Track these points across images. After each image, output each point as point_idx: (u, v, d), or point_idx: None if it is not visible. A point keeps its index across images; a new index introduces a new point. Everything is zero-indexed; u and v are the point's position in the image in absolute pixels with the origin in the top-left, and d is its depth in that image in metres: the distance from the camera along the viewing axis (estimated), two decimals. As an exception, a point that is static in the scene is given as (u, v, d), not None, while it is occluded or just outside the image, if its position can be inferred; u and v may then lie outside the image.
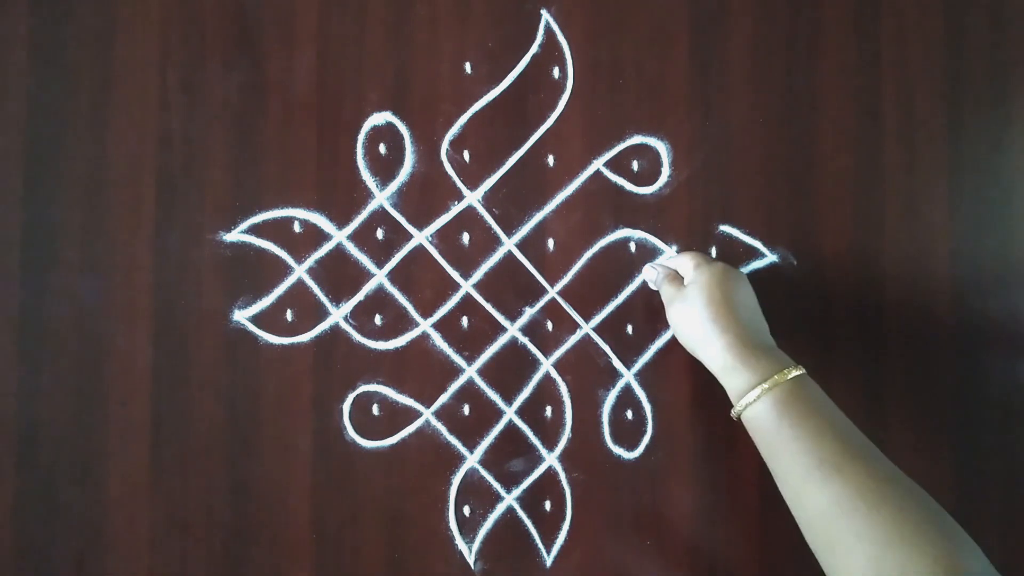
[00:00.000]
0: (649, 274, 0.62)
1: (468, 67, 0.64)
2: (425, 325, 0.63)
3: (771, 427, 0.50)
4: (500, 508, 0.62)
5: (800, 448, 0.49)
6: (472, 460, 0.62)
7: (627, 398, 0.63)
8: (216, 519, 0.62)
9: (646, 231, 0.64)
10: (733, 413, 0.53)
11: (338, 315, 0.63)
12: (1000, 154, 0.65)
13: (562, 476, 0.63)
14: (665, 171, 0.64)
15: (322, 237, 0.63)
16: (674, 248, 0.64)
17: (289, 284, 0.63)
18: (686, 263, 0.59)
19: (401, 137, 0.64)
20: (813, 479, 0.48)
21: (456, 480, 0.62)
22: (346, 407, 0.62)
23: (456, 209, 0.64)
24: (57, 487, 0.61)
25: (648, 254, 0.64)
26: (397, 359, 0.63)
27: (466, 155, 0.64)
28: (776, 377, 0.51)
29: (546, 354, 0.63)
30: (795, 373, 0.51)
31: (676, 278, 0.59)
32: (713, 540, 0.63)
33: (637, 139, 0.64)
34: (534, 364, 0.63)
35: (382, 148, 0.63)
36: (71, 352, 0.62)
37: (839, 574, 0.46)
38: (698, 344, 0.55)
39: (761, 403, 0.51)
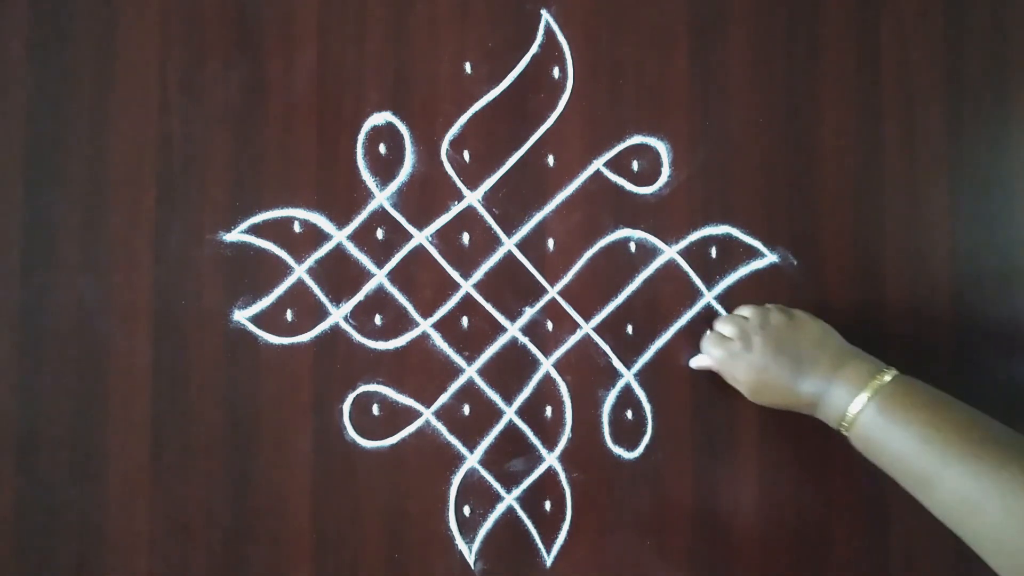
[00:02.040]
0: (701, 360, 0.62)
1: (468, 67, 0.64)
2: (425, 325, 0.63)
3: (880, 435, 0.50)
4: (500, 508, 0.62)
5: (912, 452, 0.48)
6: (472, 460, 0.62)
7: (627, 398, 0.63)
8: (216, 519, 0.62)
9: (646, 231, 0.64)
10: (843, 430, 0.52)
11: (338, 315, 0.63)
12: (1000, 154, 0.65)
13: (562, 476, 0.63)
14: (665, 171, 0.64)
15: (322, 237, 0.63)
16: (674, 248, 0.64)
17: (289, 284, 0.63)
18: (729, 331, 0.58)
19: (401, 137, 0.64)
20: (928, 482, 0.47)
21: (456, 480, 0.62)
22: (346, 407, 0.62)
23: (456, 209, 0.64)
24: (57, 487, 0.61)
25: (648, 254, 0.64)
26: (397, 359, 0.63)
27: (466, 155, 0.64)
28: (873, 383, 0.51)
29: (546, 354, 0.63)
30: (891, 374, 0.51)
31: (722, 342, 0.59)
32: (713, 540, 0.63)
33: (637, 139, 0.64)
34: (534, 364, 0.63)
35: (382, 148, 0.63)
36: (71, 352, 0.62)
37: (993, 565, 0.45)
38: (787, 404, 0.56)
39: (867, 412, 0.50)
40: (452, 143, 0.64)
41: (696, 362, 0.62)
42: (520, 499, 0.62)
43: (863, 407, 0.51)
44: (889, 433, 0.49)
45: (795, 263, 0.64)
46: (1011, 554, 0.43)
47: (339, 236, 0.63)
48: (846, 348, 0.56)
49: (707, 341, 0.60)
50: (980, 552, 0.46)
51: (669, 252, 0.64)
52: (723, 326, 0.59)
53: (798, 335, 0.56)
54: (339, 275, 0.63)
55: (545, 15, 0.64)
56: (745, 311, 0.59)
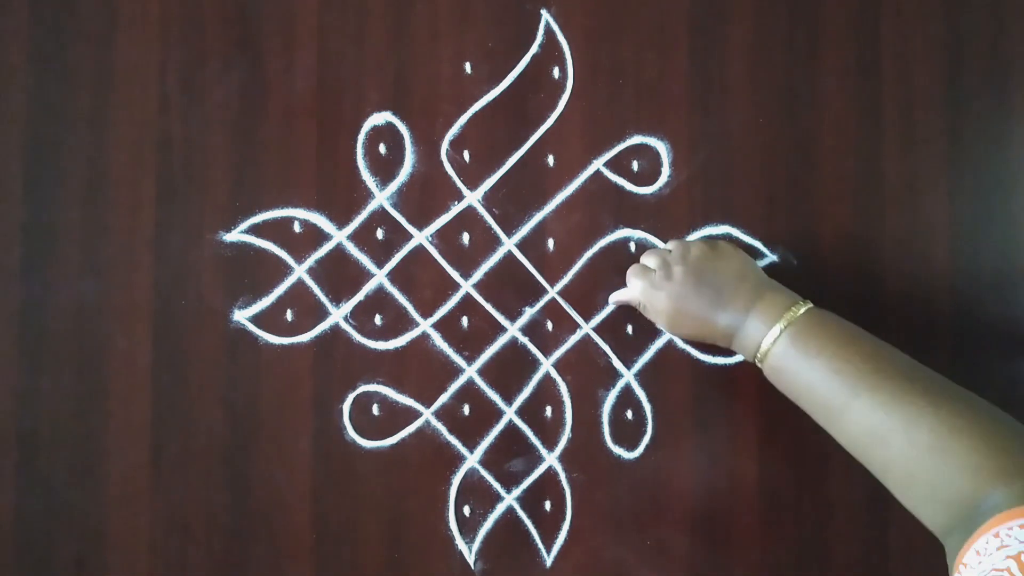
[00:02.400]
0: (621, 294, 0.61)
1: (468, 67, 0.64)
2: (425, 325, 0.63)
3: (791, 367, 0.50)
4: (500, 508, 0.62)
5: (821, 383, 0.48)
6: (472, 460, 0.62)
7: (627, 398, 0.63)
8: (216, 519, 0.62)
9: (646, 231, 0.64)
10: (757, 362, 0.53)
11: (338, 315, 0.63)
12: (1000, 154, 0.65)
13: (562, 476, 0.63)
14: (665, 171, 0.64)
15: (322, 237, 0.63)
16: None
17: (289, 284, 0.63)
18: (652, 261, 0.58)
19: (401, 137, 0.64)
20: (838, 413, 0.47)
21: (456, 480, 0.62)
22: (346, 407, 0.62)
23: (456, 209, 0.64)
24: (57, 487, 0.61)
25: (648, 254, 0.64)
26: (397, 359, 0.63)
27: (466, 155, 0.64)
28: (787, 315, 0.51)
29: (546, 354, 0.63)
30: (805, 307, 0.52)
31: (644, 273, 0.58)
32: (713, 540, 0.63)
33: (637, 139, 0.64)
34: (534, 364, 0.63)
35: (382, 148, 0.63)
36: (71, 352, 0.62)
37: (901, 500, 0.46)
38: (703, 335, 0.56)
39: (779, 344, 0.51)
40: (452, 143, 0.64)
41: (616, 296, 0.61)
42: (520, 499, 0.62)
43: (776, 339, 0.51)
44: (800, 364, 0.50)
45: (795, 263, 0.64)
46: (913, 484, 0.44)
47: (339, 236, 0.63)
48: (766, 281, 0.56)
49: (630, 272, 0.59)
50: (886, 482, 0.47)
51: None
52: (646, 258, 0.59)
53: (719, 266, 0.56)
54: (339, 275, 0.63)
55: (545, 15, 0.64)
56: (670, 244, 0.59)
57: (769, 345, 0.51)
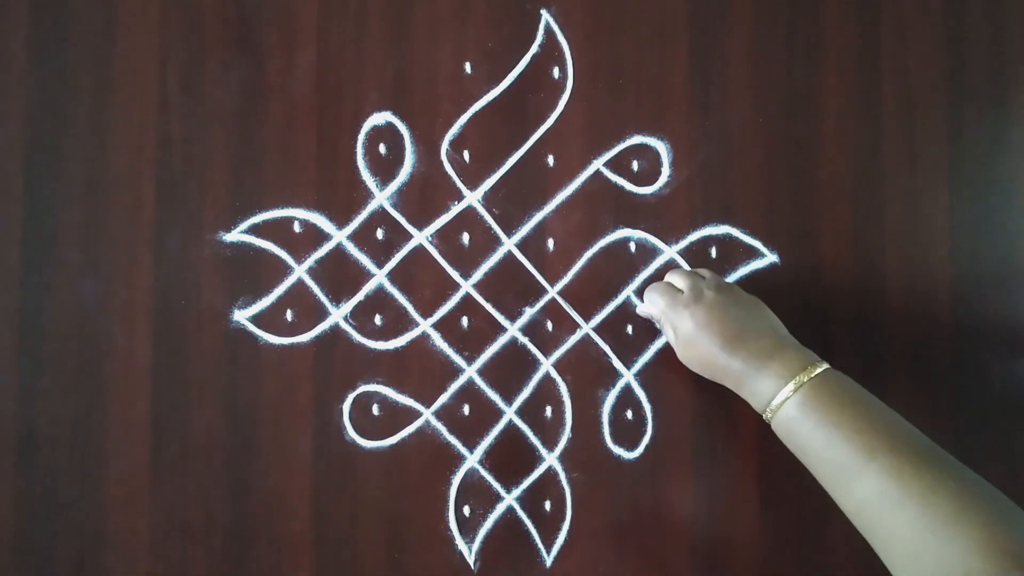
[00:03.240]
0: (645, 308, 0.61)
1: (468, 67, 0.64)
2: (425, 325, 0.63)
3: (803, 427, 0.49)
4: (500, 508, 0.62)
5: (834, 445, 0.47)
6: (472, 460, 0.62)
7: (627, 398, 0.63)
8: (216, 520, 0.62)
9: (646, 231, 0.64)
10: (766, 417, 0.52)
11: (338, 315, 0.63)
12: (1000, 154, 0.65)
13: (562, 476, 0.63)
14: (665, 171, 0.64)
15: (322, 237, 0.63)
16: (674, 248, 0.64)
17: (289, 284, 0.63)
18: (681, 283, 0.58)
19: (401, 137, 0.64)
20: (850, 475, 0.46)
21: (456, 480, 0.62)
22: (346, 407, 0.62)
23: (456, 209, 0.64)
24: (57, 487, 0.61)
25: (648, 254, 0.64)
26: (397, 359, 0.63)
27: (466, 155, 0.64)
28: (801, 376, 0.50)
29: (546, 354, 0.63)
30: (821, 368, 0.51)
31: (671, 291, 0.58)
32: (713, 540, 0.63)
33: (637, 139, 0.64)
34: (534, 364, 0.63)
35: (382, 148, 0.63)
36: (71, 352, 0.62)
37: (896, 572, 0.45)
38: (713, 370, 0.55)
39: (791, 404, 0.50)
40: (452, 143, 0.64)
41: (642, 309, 0.61)
42: (520, 499, 0.62)
43: (785, 399, 0.50)
44: (814, 423, 0.49)
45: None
46: (920, 556, 0.43)
47: (339, 236, 0.63)
48: (790, 339, 0.55)
49: (655, 288, 0.59)
50: (887, 552, 0.45)
51: (669, 252, 0.64)
52: (676, 278, 0.58)
53: (750, 308, 0.55)
54: (339, 275, 0.63)
55: (545, 15, 0.64)
56: (703, 271, 0.59)
57: (781, 401, 0.50)
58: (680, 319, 0.56)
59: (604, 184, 0.64)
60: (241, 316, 0.62)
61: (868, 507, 0.46)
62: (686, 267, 0.63)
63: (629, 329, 0.64)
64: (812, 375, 0.50)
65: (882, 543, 0.46)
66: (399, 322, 0.63)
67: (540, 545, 0.62)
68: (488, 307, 0.63)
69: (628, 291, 0.64)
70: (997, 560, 0.40)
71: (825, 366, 0.51)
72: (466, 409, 0.63)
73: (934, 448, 0.47)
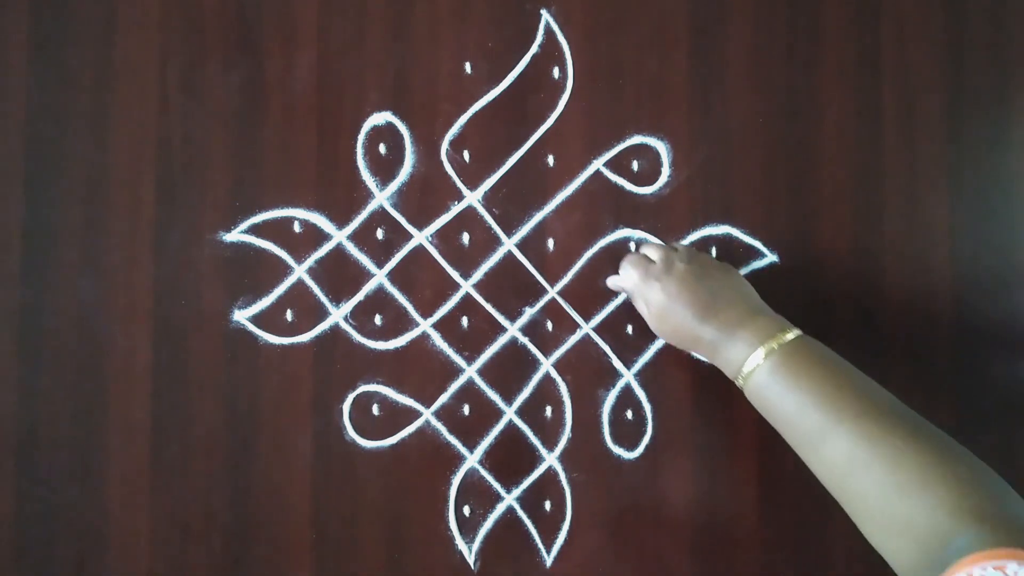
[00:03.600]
0: (616, 280, 0.61)
1: (468, 67, 0.64)
2: (425, 325, 0.63)
3: (774, 392, 0.50)
4: (500, 508, 0.62)
5: (804, 409, 0.48)
6: (472, 460, 0.62)
7: (627, 398, 0.63)
8: (216, 519, 0.62)
9: (646, 231, 0.64)
10: (738, 384, 0.53)
11: (338, 315, 0.63)
12: (1000, 154, 0.65)
13: (562, 476, 0.63)
14: (665, 171, 0.64)
15: (322, 237, 0.63)
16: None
17: (289, 284, 0.63)
18: (654, 254, 0.58)
19: (401, 137, 0.64)
20: (819, 438, 0.47)
21: (456, 480, 0.62)
22: (346, 407, 0.62)
23: (456, 209, 0.64)
24: (57, 487, 0.61)
25: (648, 254, 0.64)
26: (397, 359, 0.63)
27: (466, 155, 0.64)
28: (771, 342, 0.51)
29: (546, 354, 0.63)
30: (792, 335, 0.51)
31: (643, 263, 0.58)
32: (713, 540, 0.63)
33: (637, 139, 0.64)
34: (534, 364, 0.63)
35: (382, 148, 0.63)
36: (71, 352, 0.62)
37: (866, 534, 0.46)
38: (685, 340, 0.56)
39: (762, 370, 0.50)
40: (452, 143, 0.64)
41: (612, 281, 0.62)
42: (520, 499, 0.62)
43: (756, 366, 0.51)
44: (784, 389, 0.49)
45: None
46: (887, 517, 0.44)
47: (339, 236, 0.63)
48: (761, 306, 0.55)
49: (628, 260, 0.59)
50: (856, 514, 0.46)
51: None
52: (648, 249, 0.59)
53: (720, 276, 0.56)
54: (339, 275, 0.63)
55: (545, 15, 0.64)
56: (677, 245, 0.59)
57: (752, 368, 0.51)
58: (652, 291, 0.56)
59: (604, 184, 0.64)
60: (241, 316, 0.62)
61: (837, 470, 0.47)
62: (658, 242, 0.63)
63: (629, 329, 0.64)
64: (783, 341, 0.51)
65: (852, 505, 0.46)
66: (399, 322, 0.63)
67: (540, 545, 0.62)
68: (488, 307, 0.63)
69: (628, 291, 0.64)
70: (963, 518, 0.40)
71: (797, 332, 0.52)
72: (466, 409, 0.63)
73: (904, 411, 0.48)
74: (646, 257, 0.59)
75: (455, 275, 0.63)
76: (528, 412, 0.63)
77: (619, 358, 0.63)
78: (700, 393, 0.63)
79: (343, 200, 0.63)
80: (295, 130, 0.63)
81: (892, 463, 0.44)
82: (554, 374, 0.63)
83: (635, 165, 0.64)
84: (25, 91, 0.62)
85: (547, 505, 0.62)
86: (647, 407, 0.63)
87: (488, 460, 0.62)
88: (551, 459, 0.63)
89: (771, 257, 0.64)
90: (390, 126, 0.64)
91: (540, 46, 0.64)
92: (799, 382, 0.49)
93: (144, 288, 0.62)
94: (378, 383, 0.63)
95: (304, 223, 0.63)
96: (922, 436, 0.45)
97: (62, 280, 0.62)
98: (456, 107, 0.64)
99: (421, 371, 0.63)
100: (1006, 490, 0.43)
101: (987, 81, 0.65)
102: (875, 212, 0.64)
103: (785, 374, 0.50)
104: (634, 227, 0.64)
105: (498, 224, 0.64)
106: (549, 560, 0.62)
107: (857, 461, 0.45)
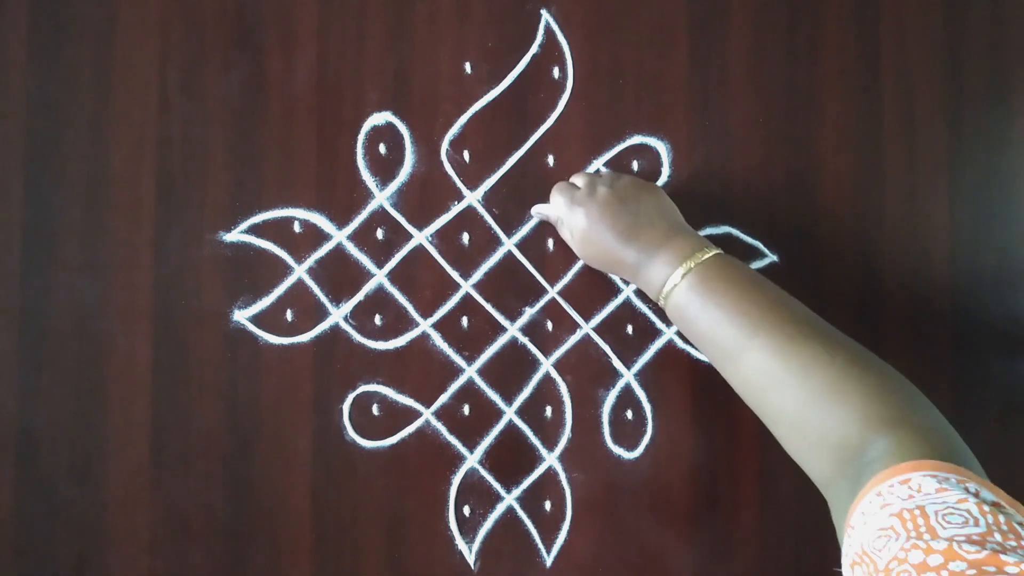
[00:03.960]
0: (542, 208, 0.62)
1: (468, 67, 0.64)
2: (425, 325, 0.63)
3: (692, 310, 0.50)
4: (500, 508, 0.62)
5: (720, 325, 0.49)
6: (472, 460, 0.62)
7: (627, 398, 0.63)
8: (216, 519, 0.62)
9: (646, 231, 0.64)
10: (660, 304, 0.53)
11: (338, 315, 0.63)
12: (1000, 154, 0.65)
13: (562, 476, 0.63)
14: (665, 171, 0.64)
15: (322, 237, 0.63)
16: None
17: (289, 284, 0.63)
18: (580, 180, 0.59)
19: (401, 137, 0.64)
20: (735, 353, 0.48)
21: (456, 480, 0.62)
22: (346, 407, 0.62)
23: (456, 209, 0.64)
24: (57, 487, 0.61)
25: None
26: (397, 359, 0.63)
27: (466, 155, 0.64)
28: (689, 261, 0.51)
29: (546, 354, 0.63)
30: (710, 253, 0.52)
31: (568, 189, 0.59)
32: (713, 540, 0.63)
33: (637, 139, 0.64)
34: (534, 364, 0.63)
35: (382, 148, 0.63)
36: (71, 352, 0.62)
37: (788, 449, 0.46)
38: (609, 263, 0.57)
39: (680, 289, 0.51)
40: (452, 143, 0.64)
41: (537, 208, 0.62)
42: (520, 499, 0.62)
43: (675, 285, 0.51)
44: (701, 306, 0.50)
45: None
46: (803, 429, 0.44)
47: (339, 236, 0.63)
48: (683, 226, 0.56)
49: (555, 188, 0.60)
50: (775, 428, 0.47)
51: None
52: (576, 177, 0.60)
53: (643, 197, 0.56)
54: (339, 275, 0.63)
55: (545, 15, 0.64)
56: (603, 169, 0.60)
57: (672, 286, 0.52)
58: (575, 216, 0.57)
59: (604, 184, 0.64)
60: (241, 316, 0.62)
61: (752, 383, 0.47)
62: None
63: (629, 329, 0.64)
64: (700, 260, 0.51)
65: (768, 418, 0.47)
66: (399, 322, 0.63)
67: (540, 545, 0.62)
68: (488, 307, 0.63)
69: (628, 291, 0.64)
70: (873, 427, 0.41)
71: (716, 251, 0.52)
72: (466, 409, 0.63)
73: (818, 323, 0.48)
74: (573, 184, 0.59)
75: (455, 275, 0.63)
76: (528, 412, 0.63)
77: (619, 358, 0.63)
78: (700, 393, 0.63)
79: (343, 200, 0.63)
80: (295, 130, 0.63)
81: (805, 374, 0.44)
82: (554, 374, 0.63)
83: (635, 165, 0.64)
84: (25, 91, 0.62)
85: (547, 505, 0.62)
86: (647, 407, 0.63)
87: (488, 460, 0.62)
88: (551, 459, 0.63)
89: (771, 257, 0.64)
90: (390, 126, 0.64)
91: (540, 46, 0.64)
92: (715, 299, 0.50)
93: (144, 288, 0.62)
94: (378, 383, 0.63)
95: (304, 223, 0.63)
96: (836, 347, 0.45)
97: (62, 280, 0.62)
98: (456, 107, 0.64)
99: (421, 371, 0.63)
100: (916, 396, 0.44)
101: (987, 81, 0.65)
102: (875, 212, 0.64)
103: (701, 291, 0.50)
104: (634, 227, 0.64)
105: (498, 224, 0.64)
106: (549, 560, 0.62)
107: (772, 374, 0.46)
